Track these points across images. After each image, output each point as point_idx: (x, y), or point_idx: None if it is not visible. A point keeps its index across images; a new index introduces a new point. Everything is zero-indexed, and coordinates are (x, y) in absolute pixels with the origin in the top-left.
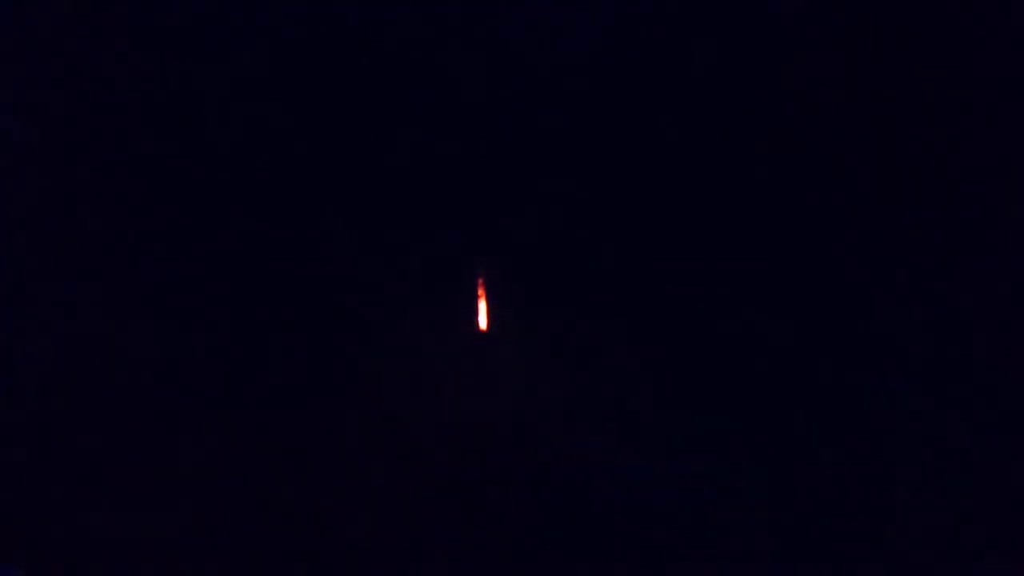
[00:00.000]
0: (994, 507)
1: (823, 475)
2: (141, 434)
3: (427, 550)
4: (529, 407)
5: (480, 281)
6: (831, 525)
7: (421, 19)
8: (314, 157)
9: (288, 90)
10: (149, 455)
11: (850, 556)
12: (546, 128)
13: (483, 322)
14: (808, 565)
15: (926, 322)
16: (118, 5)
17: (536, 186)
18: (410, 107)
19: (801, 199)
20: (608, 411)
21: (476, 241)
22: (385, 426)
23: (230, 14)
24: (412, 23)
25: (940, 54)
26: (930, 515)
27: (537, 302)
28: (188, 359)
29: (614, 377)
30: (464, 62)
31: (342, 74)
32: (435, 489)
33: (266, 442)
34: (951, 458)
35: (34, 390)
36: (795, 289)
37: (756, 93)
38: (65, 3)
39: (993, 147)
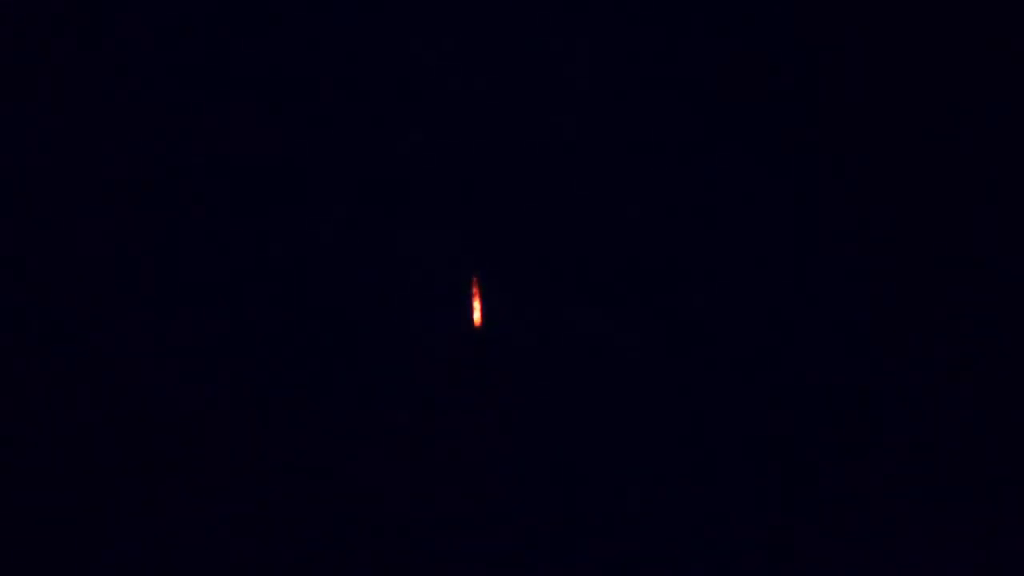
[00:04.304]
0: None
1: (822, 473)
2: (138, 434)
3: (424, 546)
4: (524, 401)
5: (475, 279)
6: (830, 524)
7: (420, 21)
8: (312, 157)
9: (288, 90)
10: (145, 453)
11: (848, 555)
12: (542, 129)
13: (477, 318)
14: (806, 563)
15: (929, 322)
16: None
17: (531, 186)
18: (407, 108)
19: (795, 197)
20: (603, 406)
21: (471, 240)
22: (381, 421)
23: (231, 15)
24: (412, 25)
25: (940, 54)
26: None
27: (531, 299)
28: (186, 357)
29: (609, 373)
30: (462, 64)
31: (341, 76)
32: (431, 483)
33: (262, 440)
34: (950, 457)
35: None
36: (792, 286)
37: (751, 93)
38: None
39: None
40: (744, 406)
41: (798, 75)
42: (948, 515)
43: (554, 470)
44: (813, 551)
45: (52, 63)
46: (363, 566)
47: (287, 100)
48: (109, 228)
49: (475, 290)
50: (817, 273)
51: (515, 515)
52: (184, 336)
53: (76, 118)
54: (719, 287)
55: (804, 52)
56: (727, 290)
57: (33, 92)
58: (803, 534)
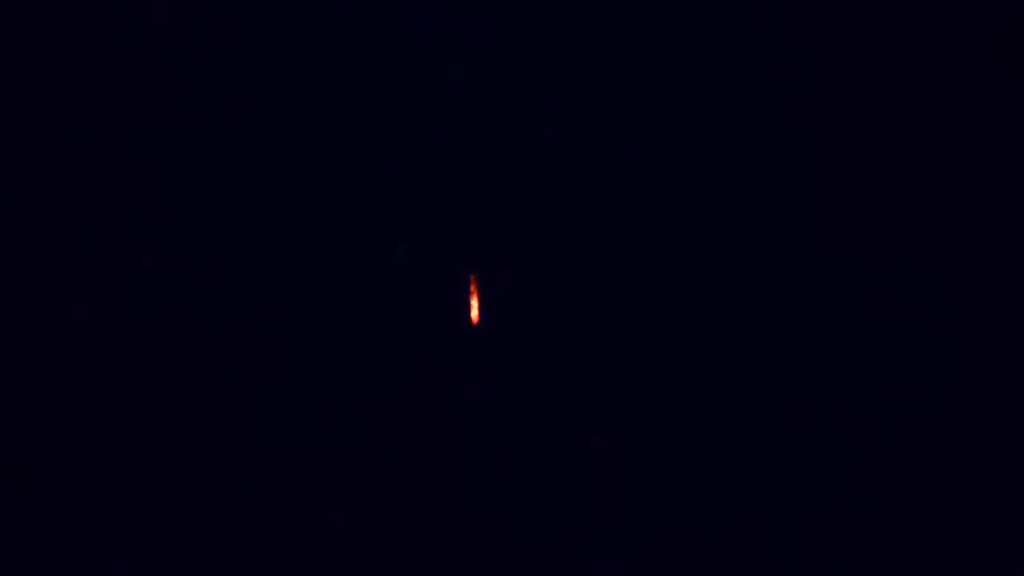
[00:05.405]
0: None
1: (821, 472)
2: (135, 433)
3: (421, 546)
4: (520, 399)
5: (472, 277)
6: (828, 523)
7: (418, 20)
8: (310, 156)
9: (285, 90)
10: (143, 453)
11: (848, 554)
12: (541, 128)
13: (475, 316)
14: (806, 563)
15: (927, 322)
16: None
17: (528, 184)
18: (406, 107)
19: (798, 198)
20: (600, 404)
21: (469, 238)
22: (379, 420)
23: (228, 14)
24: (409, 23)
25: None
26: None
27: (528, 298)
28: (183, 356)
29: (605, 370)
30: (462, 62)
31: (339, 74)
32: (428, 483)
33: (259, 440)
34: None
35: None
36: (789, 284)
37: (748, 92)
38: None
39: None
40: (747, 407)
41: (801, 75)
42: (950, 516)
43: (553, 470)
44: (814, 552)
45: (49, 61)
46: (361, 567)
47: (284, 99)
48: (109, 227)
49: (473, 288)
50: (819, 273)
51: (514, 515)
52: (180, 335)
53: (74, 116)
54: (721, 287)
55: (805, 52)
56: (729, 290)
57: (30, 89)
58: (804, 536)
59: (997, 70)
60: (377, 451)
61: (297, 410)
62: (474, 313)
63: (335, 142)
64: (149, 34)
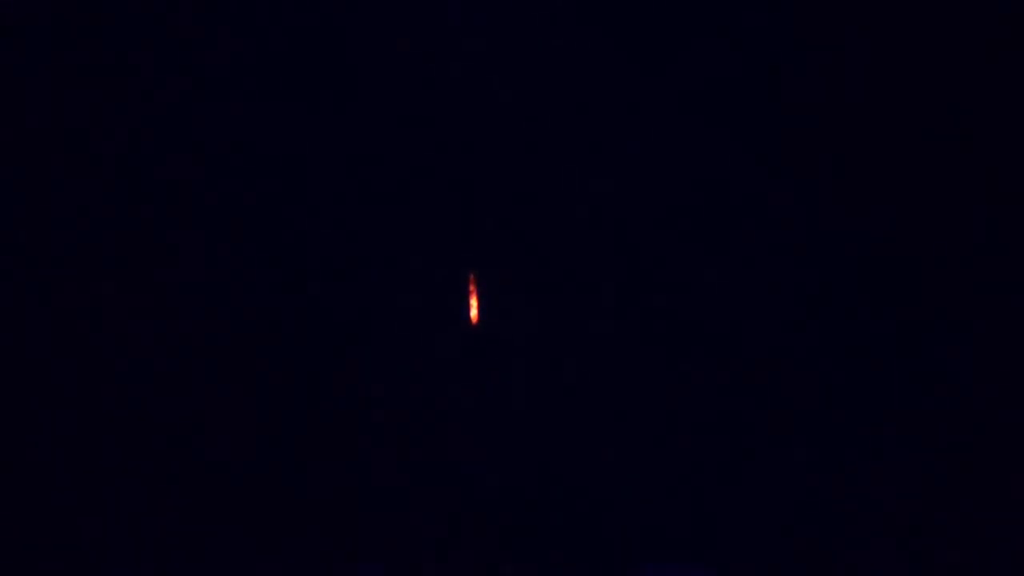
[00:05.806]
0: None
1: (819, 473)
2: (136, 432)
3: (421, 546)
4: (520, 399)
5: (471, 277)
6: (829, 523)
7: (417, 18)
8: (309, 155)
9: (283, 89)
10: (146, 452)
11: (849, 555)
12: (538, 126)
13: (474, 315)
14: (807, 563)
15: (926, 324)
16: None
17: (527, 184)
18: (403, 106)
19: (797, 199)
20: (600, 403)
21: (468, 237)
22: (378, 418)
23: (227, 13)
24: (408, 22)
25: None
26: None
27: (527, 297)
28: (183, 356)
29: (605, 370)
30: (457, 61)
31: (338, 73)
32: (427, 483)
33: (260, 438)
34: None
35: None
36: (794, 288)
37: (749, 92)
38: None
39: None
40: (746, 407)
41: (799, 76)
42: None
43: (553, 469)
44: (814, 552)
45: (49, 61)
46: (361, 567)
47: (284, 98)
48: (109, 228)
49: (472, 287)
50: (818, 274)
51: (514, 515)
52: (179, 335)
53: (72, 114)
54: (721, 287)
55: (804, 53)
56: (729, 290)
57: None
58: (801, 536)
59: (997, 70)
60: (376, 451)
61: (296, 410)
62: (474, 313)
63: (335, 140)
64: (149, 34)
